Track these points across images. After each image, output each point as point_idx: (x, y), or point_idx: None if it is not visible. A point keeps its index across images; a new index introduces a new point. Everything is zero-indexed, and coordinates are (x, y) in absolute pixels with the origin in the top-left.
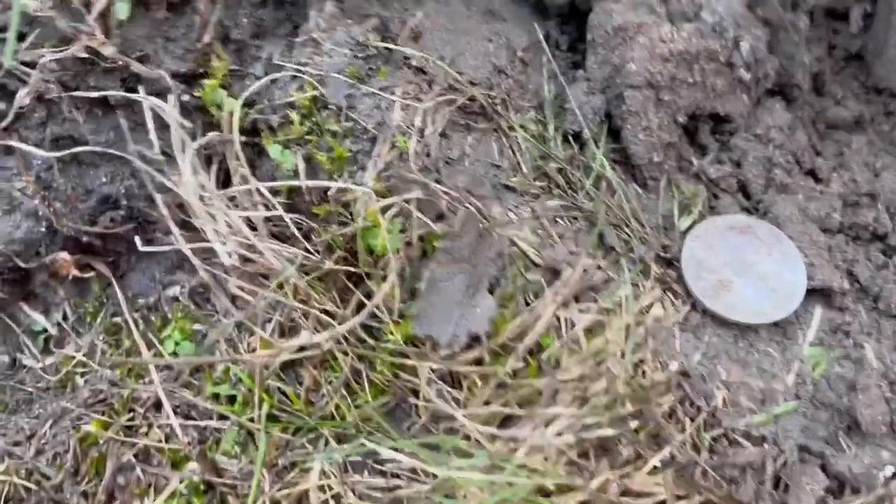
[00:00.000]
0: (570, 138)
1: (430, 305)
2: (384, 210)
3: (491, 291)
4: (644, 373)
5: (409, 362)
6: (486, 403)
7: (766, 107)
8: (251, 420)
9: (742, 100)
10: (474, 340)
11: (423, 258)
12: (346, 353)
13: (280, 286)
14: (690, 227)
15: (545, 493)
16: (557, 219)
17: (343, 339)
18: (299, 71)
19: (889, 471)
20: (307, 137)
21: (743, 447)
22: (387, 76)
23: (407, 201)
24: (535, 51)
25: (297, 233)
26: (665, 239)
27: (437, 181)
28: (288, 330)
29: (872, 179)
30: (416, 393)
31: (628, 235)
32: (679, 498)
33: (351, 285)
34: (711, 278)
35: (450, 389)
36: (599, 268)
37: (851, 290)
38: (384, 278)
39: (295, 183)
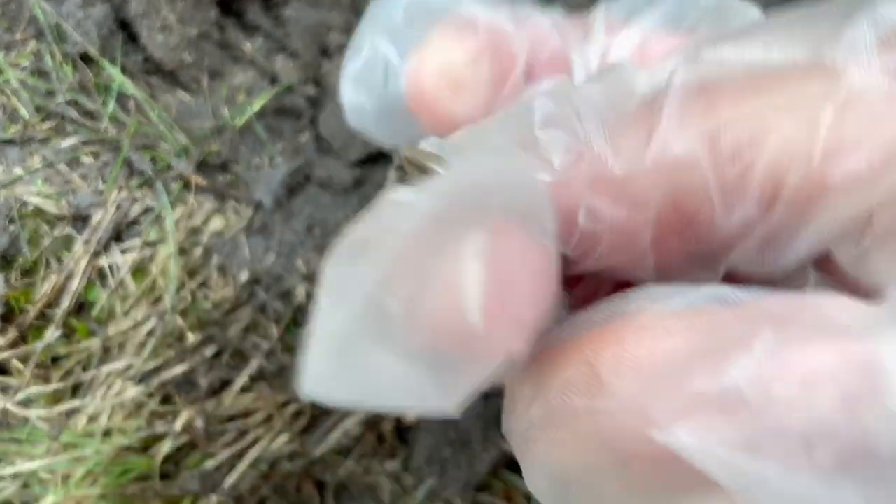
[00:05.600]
0: (80, 62)
1: None
2: None
3: (11, 263)
4: (206, 295)
5: None
6: (46, 382)
7: None
8: None
9: None
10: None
11: None
12: None
13: None
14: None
15: (136, 449)
16: (77, 158)
17: None
18: None
19: None
20: None
21: None
22: None
23: None
24: None
25: None
26: (216, 143)
27: None
28: None
29: None
30: None
31: (166, 153)
32: (283, 405)
33: None
34: None
35: (6, 380)
36: (136, 200)
37: None
38: None
39: None
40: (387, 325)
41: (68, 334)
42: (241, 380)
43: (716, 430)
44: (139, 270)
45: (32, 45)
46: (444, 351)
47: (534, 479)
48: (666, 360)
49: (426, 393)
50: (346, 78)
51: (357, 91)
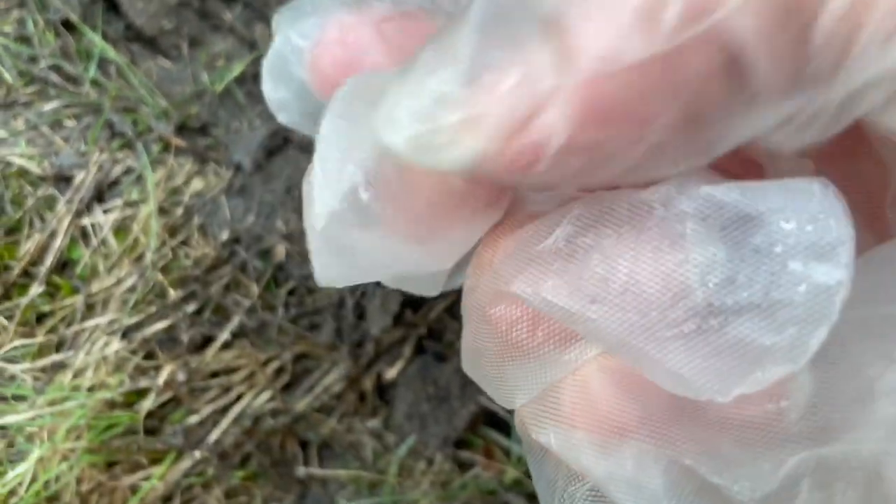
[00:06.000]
0: (62, 29)
1: None
2: None
3: None
4: (187, 253)
5: None
6: (31, 338)
7: None
8: None
9: None
10: None
11: None
12: None
13: None
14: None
15: (121, 404)
16: (60, 121)
17: None
18: None
19: None
20: None
21: (320, 291)
22: None
23: None
24: None
25: None
26: (196, 106)
27: None
28: None
29: None
30: None
31: (146, 116)
32: (265, 363)
33: None
34: None
35: None
36: (117, 161)
37: None
38: None
39: None
40: (370, 215)
41: (52, 292)
42: (223, 336)
43: (544, 279)
44: (121, 229)
45: (16, 12)
46: (431, 222)
47: (463, 363)
48: (523, 240)
49: (419, 259)
50: (264, 73)
51: (276, 87)
